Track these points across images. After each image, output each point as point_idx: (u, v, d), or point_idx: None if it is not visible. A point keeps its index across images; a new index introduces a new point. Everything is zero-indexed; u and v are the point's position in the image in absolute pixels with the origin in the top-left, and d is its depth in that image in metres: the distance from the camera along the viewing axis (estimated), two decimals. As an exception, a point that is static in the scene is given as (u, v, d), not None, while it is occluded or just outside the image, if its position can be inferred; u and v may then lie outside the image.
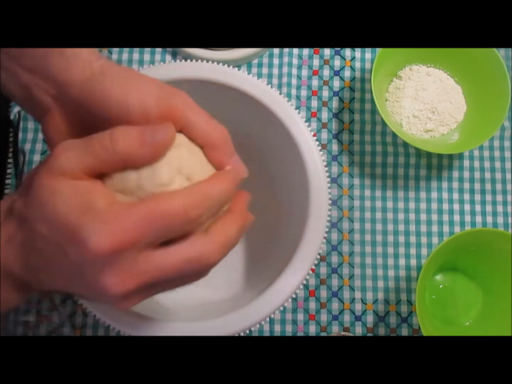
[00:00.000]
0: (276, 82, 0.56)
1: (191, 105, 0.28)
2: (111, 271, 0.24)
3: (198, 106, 0.28)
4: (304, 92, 0.56)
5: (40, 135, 0.54)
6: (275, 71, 0.56)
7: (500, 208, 0.55)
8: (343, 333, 0.51)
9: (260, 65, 0.56)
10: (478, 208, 0.55)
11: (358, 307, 0.52)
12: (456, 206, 0.55)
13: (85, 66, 0.28)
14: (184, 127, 0.28)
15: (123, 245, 0.23)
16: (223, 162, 0.29)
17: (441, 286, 0.53)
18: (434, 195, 0.55)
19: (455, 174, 0.56)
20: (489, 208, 0.55)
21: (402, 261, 0.53)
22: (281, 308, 0.39)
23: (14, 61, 0.28)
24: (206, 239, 0.26)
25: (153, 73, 0.40)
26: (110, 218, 0.23)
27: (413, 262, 0.53)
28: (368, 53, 0.58)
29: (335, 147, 0.55)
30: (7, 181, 0.54)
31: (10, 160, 0.54)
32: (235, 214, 0.29)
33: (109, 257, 0.23)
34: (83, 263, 0.24)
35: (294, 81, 0.56)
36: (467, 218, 0.55)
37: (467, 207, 0.55)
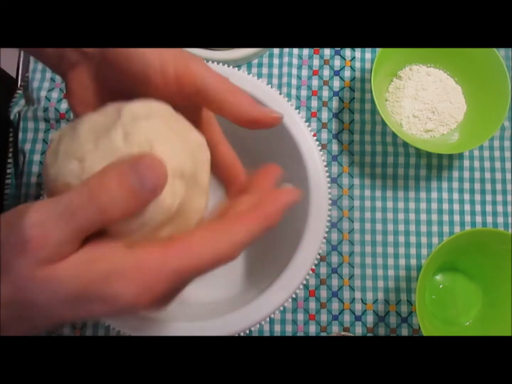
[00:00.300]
0: (276, 82, 0.56)
1: (207, 68, 0.28)
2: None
3: (213, 70, 0.28)
4: (304, 92, 0.56)
5: (40, 135, 0.54)
6: (275, 71, 0.56)
7: (500, 208, 0.55)
8: (343, 333, 0.51)
9: (260, 65, 0.56)
10: (478, 208, 0.55)
11: (358, 307, 0.52)
12: (456, 206, 0.55)
13: None
14: (199, 90, 0.28)
15: (156, 300, 0.23)
16: (248, 113, 0.28)
17: (441, 286, 0.53)
18: (434, 195, 0.55)
19: (455, 174, 0.56)
20: (489, 208, 0.55)
21: (402, 261, 0.53)
22: (281, 308, 0.39)
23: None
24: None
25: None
26: (137, 276, 0.22)
27: (413, 262, 0.53)
28: (368, 53, 0.58)
29: (335, 147, 0.55)
30: (7, 181, 0.54)
31: (10, 160, 0.54)
32: (261, 213, 0.28)
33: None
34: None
35: (294, 81, 0.56)
36: (467, 218, 0.55)
37: (467, 207, 0.55)
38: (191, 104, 0.29)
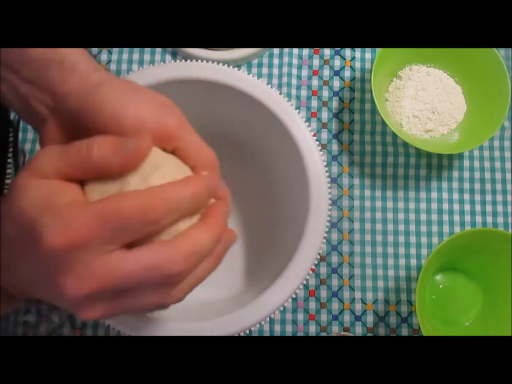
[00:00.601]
0: (276, 82, 0.56)
1: (185, 126, 0.28)
2: (66, 271, 0.23)
3: (189, 125, 0.28)
4: (304, 92, 0.56)
5: (40, 135, 0.54)
6: (275, 71, 0.56)
7: (500, 208, 0.55)
8: (343, 333, 0.51)
9: (260, 65, 0.56)
10: (478, 208, 0.55)
11: (358, 307, 0.52)
12: (456, 206, 0.55)
13: (83, 77, 0.28)
14: (177, 147, 0.28)
15: (76, 241, 0.23)
16: (217, 183, 0.28)
17: (441, 286, 0.53)
18: (434, 195, 0.55)
19: (455, 174, 0.56)
20: (489, 208, 0.55)
21: (402, 261, 0.53)
22: (281, 308, 0.39)
23: (13, 73, 0.28)
24: (170, 245, 0.24)
25: (153, 73, 0.40)
26: (66, 214, 0.23)
27: (413, 262, 0.53)
28: (368, 53, 0.58)
29: (335, 147, 0.55)
30: (7, 181, 0.54)
31: (10, 160, 0.54)
32: (209, 221, 0.26)
33: (64, 255, 0.23)
34: (41, 261, 0.24)
35: (294, 81, 0.56)
36: (467, 218, 0.55)
37: (467, 207, 0.55)
38: None
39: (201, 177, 0.27)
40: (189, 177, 0.27)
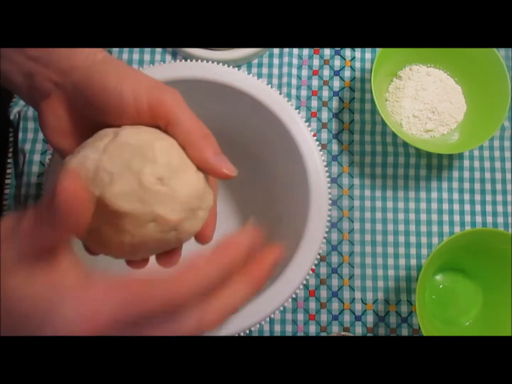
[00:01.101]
0: (276, 82, 0.56)
1: (180, 102, 0.29)
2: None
3: (186, 105, 0.29)
4: (304, 92, 0.56)
5: (40, 135, 0.54)
6: (275, 71, 0.56)
7: (500, 208, 0.55)
8: (343, 333, 0.51)
9: (260, 65, 0.56)
10: (478, 208, 0.55)
11: (358, 307, 0.52)
12: (456, 206, 0.55)
13: (88, 55, 0.29)
14: (169, 123, 0.28)
15: (99, 332, 0.23)
16: (205, 160, 0.29)
17: (441, 286, 0.53)
18: (434, 195, 0.55)
19: (455, 174, 0.56)
20: (489, 208, 0.55)
21: (402, 261, 0.53)
22: (281, 308, 0.39)
23: (18, 52, 0.29)
24: (203, 310, 0.24)
25: (153, 73, 0.40)
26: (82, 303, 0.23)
27: (413, 262, 0.53)
28: (368, 53, 0.58)
29: (335, 147, 0.55)
30: (7, 181, 0.54)
31: (10, 160, 0.54)
32: (249, 278, 0.25)
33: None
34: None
35: (294, 81, 0.56)
36: (467, 218, 0.55)
37: (467, 207, 0.55)
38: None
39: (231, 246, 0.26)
40: (216, 251, 0.25)
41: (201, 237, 0.32)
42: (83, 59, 0.29)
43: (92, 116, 0.30)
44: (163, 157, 0.27)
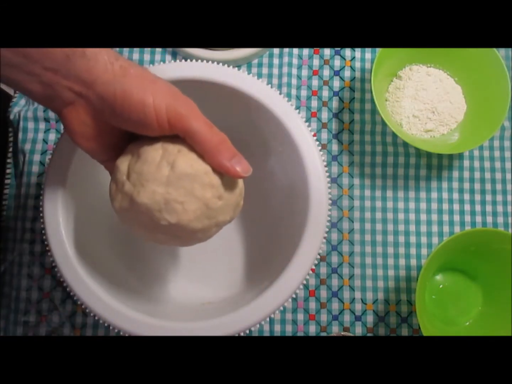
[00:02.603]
0: (276, 82, 0.56)
1: (194, 113, 0.32)
2: None
3: (202, 115, 0.32)
4: (304, 92, 0.56)
5: (40, 135, 0.54)
6: (275, 71, 0.56)
7: (500, 208, 0.55)
8: (343, 333, 0.51)
9: (260, 65, 0.56)
10: (478, 208, 0.55)
11: (358, 307, 0.52)
12: (456, 206, 0.55)
13: (107, 66, 0.31)
14: (187, 134, 0.32)
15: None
16: (222, 165, 0.32)
17: (441, 286, 0.53)
18: (434, 195, 0.55)
19: (455, 174, 0.56)
20: (489, 208, 0.55)
21: (402, 261, 0.53)
22: (281, 308, 0.39)
23: (35, 64, 0.30)
24: None
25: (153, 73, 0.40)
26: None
27: (413, 262, 0.53)
28: (368, 53, 0.58)
29: (335, 147, 0.55)
30: (7, 181, 0.54)
31: (10, 160, 0.54)
32: None
33: None
34: None
35: (294, 81, 0.56)
36: (467, 218, 0.55)
37: (467, 207, 0.55)
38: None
39: None
40: None
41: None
42: (102, 70, 0.31)
43: (117, 124, 0.32)
44: (217, 180, 0.33)
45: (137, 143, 0.34)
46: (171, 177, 0.32)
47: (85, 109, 0.32)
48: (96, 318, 0.38)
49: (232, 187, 0.34)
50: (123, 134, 0.34)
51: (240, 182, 0.36)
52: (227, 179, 0.34)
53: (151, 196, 0.31)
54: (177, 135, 0.32)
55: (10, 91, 0.57)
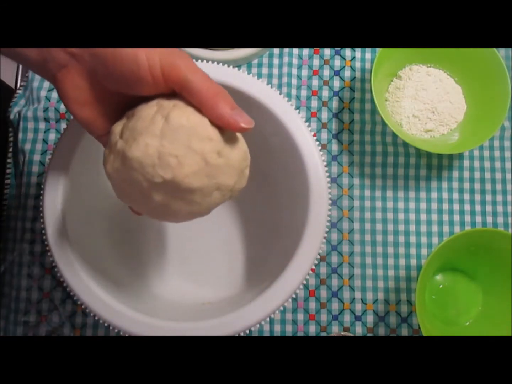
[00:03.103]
0: (276, 82, 0.56)
1: (191, 66, 0.30)
2: None
3: (198, 67, 0.30)
4: (304, 92, 0.56)
5: (40, 135, 0.54)
6: (275, 71, 0.56)
7: (500, 208, 0.55)
8: (343, 333, 0.51)
9: (260, 65, 0.56)
10: (478, 208, 0.55)
11: (358, 307, 0.52)
12: (456, 206, 0.55)
13: None
14: (183, 87, 0.30)
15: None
16: (221, 116, 0.30)
17: (441, 286, 0.53)
18: (434, 195, 0.55)
19: (455, 174, 0.56)
20: (489, 208, 0.55)
21: (402, 261, 0.53)
22: (281, 308, 0.39)
23: None
24: None
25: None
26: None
27: (413, 262, 0.53)
28: (368, 53, 0.58)
29: (335, 147, 0.55)
30: (7, 181, 0.54)
31: (10, 160, 0.54)
32: None
33: None
34: None
35: (294, 81, 0.56)
36: (467, 218, 0.55)
37: (467, 207, 0.55)
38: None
39: None
40: None
41: None
42: None
43: (111, 86, 0.31)
44: (215, 133, 0.30)
45: (134, 108, 0.32)
46: (166, 130, 0.29)
47: (78, 71, 0.31)
48: (96, 318, 0.38)
49: (233, 145, 0.31)
50: (119, 102, 0.33)
51: (243, 143, 0.33)
52: (228, 135, 0.31)
53: (144, 150, 0.29)
54: (174, 94, 0.31)
55: (10, 92, 0.57)
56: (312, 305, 0.52)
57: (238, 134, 0.32)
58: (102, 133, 0.33)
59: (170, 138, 0.29)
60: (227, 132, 0.31)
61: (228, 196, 0.33)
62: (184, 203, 0.31)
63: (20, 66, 0.57)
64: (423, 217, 0.54)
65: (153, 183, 0.30)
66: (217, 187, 0.31)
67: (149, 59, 0.29)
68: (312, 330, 0.51)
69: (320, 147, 0.42)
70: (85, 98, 0.31)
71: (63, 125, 0.54)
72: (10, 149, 0.54)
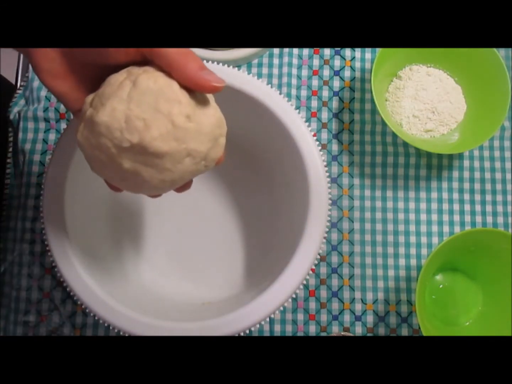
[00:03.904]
0: (276, 82, 0.56)
1: None
2: None
3: None
4: (304, 92, 0.56)
5: (40, 135, 0.54)
6: (275, 71, 0.56)
7: (500, 208, 0.55)
8: (343, 333, 0.51)
9: (260, 65, 0.56)
10: (478, 208, 0.55)
11: (358, 307, 0.52)
12: (456, 206, 0.55)
13: None
14: (152, 51, 0.29)
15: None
16: (190, 76, 0.29)
17: (441, 286, 0.53)
18: (434, 195, 0.55)
19: (455, 174, 0.56)
20: (489, 208, 0.55)
21: (402, 261, 0.53)
22: (281, 308, 0.39)
23: None
24: None
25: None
26: None
27: (413, 262, 0.53)
28: (368, 53, 0.58)
29: (335, 147, 0.55)
30: (7, 181, 0.54)
31: (9, 160, 0.54)
32: None
33: None
34: None
35: (294, 81, 0.56)
36: (467, 218, 0.55)
37: (467, 207, 0.55)
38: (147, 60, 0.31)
39: None
40: None
41: (218, 161, 0.33)
42: None
43: (83, 56, 0.30)
44: (185, 96, 0.29)
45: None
46: (133, 93, 0.29)
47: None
48: (96, 318, 0.38)
49: (205, 110, 0.30)
50: (94, 75, 0.32)
51: (216, 109, 0.32)
52: (198, 99, 0.30)
53: (111, 113, 0.29)
54: (146, 63, 0.30)
55: (10, 92, 0.57)
56: (312, 305, 0.52)
57: (212, 102, 0.32)
58: (78, 108, 0.32)
59: (137, 102, 0.29)
60: (198, 96, 0.30)
61: (203, 166, 0.32)
62: (155, 171, 0.30)
63: (20, 66, 0.57)
64: (423, 217, 0.54)
65: (122, 148, 0.29)
66: (187, 152, 0.30)
67: None
68: (312, 330, 0.51)
69: (320, 147, 0.42)
70: (58, 69, 0.31)
71: (63, 125, 0.54)
72: (10, 149, 0.54)
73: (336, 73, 0.57)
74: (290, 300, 0.39)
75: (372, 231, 0.53)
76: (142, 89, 0.29)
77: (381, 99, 0.55)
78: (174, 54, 0.29)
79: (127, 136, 0.28)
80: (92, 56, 0.30)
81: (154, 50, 0.29)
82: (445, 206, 0.55)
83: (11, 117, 0.54)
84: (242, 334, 0.38)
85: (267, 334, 0.51)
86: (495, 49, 0.52)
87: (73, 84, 0.32)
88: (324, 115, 0.56)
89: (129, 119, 0.28)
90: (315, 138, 0.41)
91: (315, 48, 0.57)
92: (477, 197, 0.55)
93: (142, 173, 0.30)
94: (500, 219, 0.55)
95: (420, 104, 0.54)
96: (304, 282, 0.39)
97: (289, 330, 0.51)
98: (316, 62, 0.57)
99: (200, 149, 0.30)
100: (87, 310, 0.38)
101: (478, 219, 0.55)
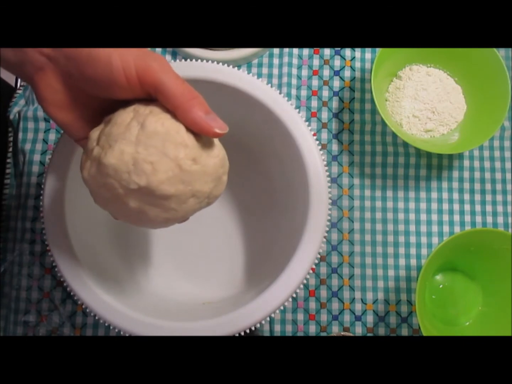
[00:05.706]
0: (276, 82, 0.56)
1: (166, 68, 0.30)
2: None
3: (172, 70, 0.30)
4: (304, 92, 0.56)
5: (40, 135, 0.54)
6: (275, 71, 0.56)
7: (500, 208, 0.55)
8: (343, 333, 0.51)
9: (260, 65, 0.56)
10: (478, 208, 0.55)
11: (358, 307, 0.52)
12: (456, 206, 0.55)
13: None
14: (157, 89, 0.30)
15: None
16: (195, 121, 0.30)
17: (441, 286, 0.53)
18: (434, 195, 0.55)
19: (455, 174, 0.56)
20: (489, 208, 0.55)
21: (402, 261, 0.53)
22: (281, 308, 0.39)
23: None
24: None
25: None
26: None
27: (413, 262, 0.53)
28: (368, 53, 0.58)
29: (335, 147, 0.55)
30: (7, 181, 0.54)
31: (9, 160, 0.54)
32: None
33: None
34: None
35: (294, 81, 0.56)
36: (467, 218, 0.55)
37: (467, 207, 0.55)
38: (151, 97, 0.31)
39: None
40: None
41: None
42: None
43: (87, 88, 0.31)
44: (191, 139, 0.30)
45: (112, 114, 0.32)
46: (141, 136, 0.29)
47: (55, 73, 0.31)
48: (96, 318, 0.38)
49: (209, 152, 0.31)
50: (98, 106, 0.33)
51: (220, 149, 0.33)
52: (204, 141, 0.31)
53: (119, 156, 0.29)
54: (152, 100, 0.31)
55: (10, 92, 0.57)
56: (312, 305, 0.52)
57: (216, 141, 0.32)
58: (81, 136, 0.33)
59: (145, 145, 0.29)
60: (203, 138, 0.31)
61: (206, 203, 0.33)
62: (161, 210, 0.31)
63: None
64: (423, 217, 0.54)
65: (129, 189, 0.30)
66: (192, 194, 0.31)
67: (123, 61, 0.29)
68: (312, 330, 0.51)
69: (320, 147, 0.42)
70: (62, 101, 0.31)
71: (63, 125, 0.54)
72: (10, 149, 0.54)
73: (336, 73, 0.57)
74: (290, 300, 0.39)
75: (372, 231, 0.53)
76: (150, 132, 0.29)
77: (381, 99, 0.55)
78: (180, 97, 0.30)
79: (135, 179, 0.29)
80: (97, 90, 0.31)
81: (159, 90, 0.30)
82: (445, 206, 0.55)
83: (11, 117, 0.54)
84: (242, 333, 0.38)
85: (267, 334, 0.51)
86: (495, 49, 0.52)
87: (77, 115, 0.32)
88: (324, 115, 0.56)
89: (137, 162, 0.29)
90: (315, 138, 0.41)
91: (315, 48, 0.57)
92: (477, 197, 0.55)
93: (147, 212, 0.31)
94: (500, 219, 0.55)
95: (420, 104, 0.54)
96: (304, 282, 0.39)
97: (289, 330, 0.51)
98: (316, 62, 0.57)
99: (204, 190, 0.31)
100: (87, 310, 0.38)
101: (478, 219, 0.55)
